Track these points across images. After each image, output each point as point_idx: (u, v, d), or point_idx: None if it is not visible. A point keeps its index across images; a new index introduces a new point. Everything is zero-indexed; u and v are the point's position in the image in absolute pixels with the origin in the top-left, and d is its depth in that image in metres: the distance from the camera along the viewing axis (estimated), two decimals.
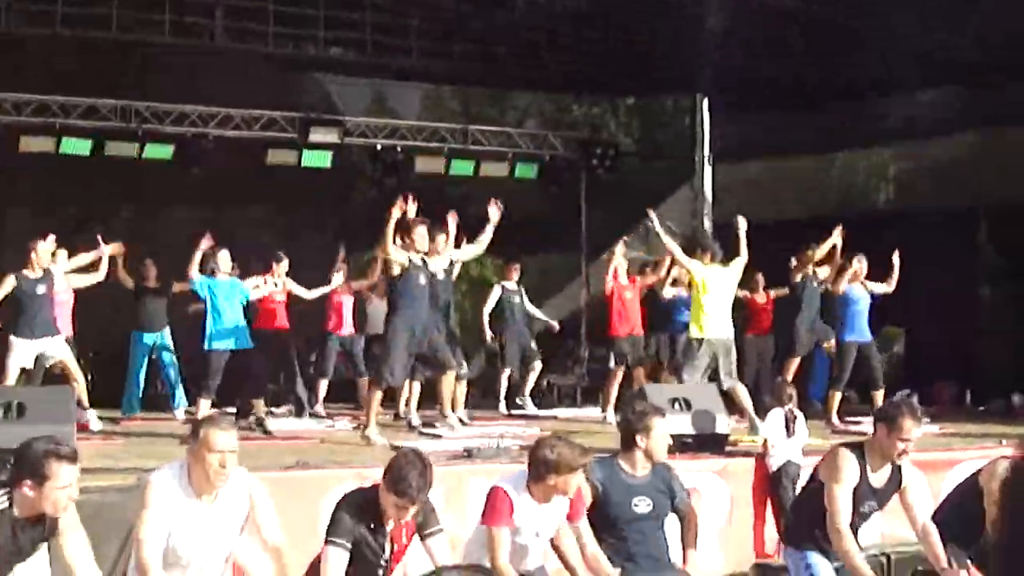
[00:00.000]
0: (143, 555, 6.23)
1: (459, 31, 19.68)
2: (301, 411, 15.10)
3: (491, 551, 6.95)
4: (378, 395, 12.12)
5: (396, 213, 11.70)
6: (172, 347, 15.06)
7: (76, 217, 17.06)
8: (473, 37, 19.81)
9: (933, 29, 17.36)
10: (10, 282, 12.80)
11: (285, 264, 14.85)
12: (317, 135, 18.45)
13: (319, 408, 15.70)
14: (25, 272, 12.92)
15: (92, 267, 13.89)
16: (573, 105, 23.07)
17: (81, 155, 17.26)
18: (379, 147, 19.44)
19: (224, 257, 13.57)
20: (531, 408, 16.01)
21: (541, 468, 7.01)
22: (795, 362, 14.79)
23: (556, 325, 17.38)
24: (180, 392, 14.98)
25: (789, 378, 14.03)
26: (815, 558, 7.67)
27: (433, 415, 13.80)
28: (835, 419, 14.04)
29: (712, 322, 13.22)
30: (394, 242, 11.84)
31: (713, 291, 13.28)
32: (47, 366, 13.10)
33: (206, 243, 13.22)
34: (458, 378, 13.22)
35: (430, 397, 15.69)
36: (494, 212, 12.68)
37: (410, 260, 12.00)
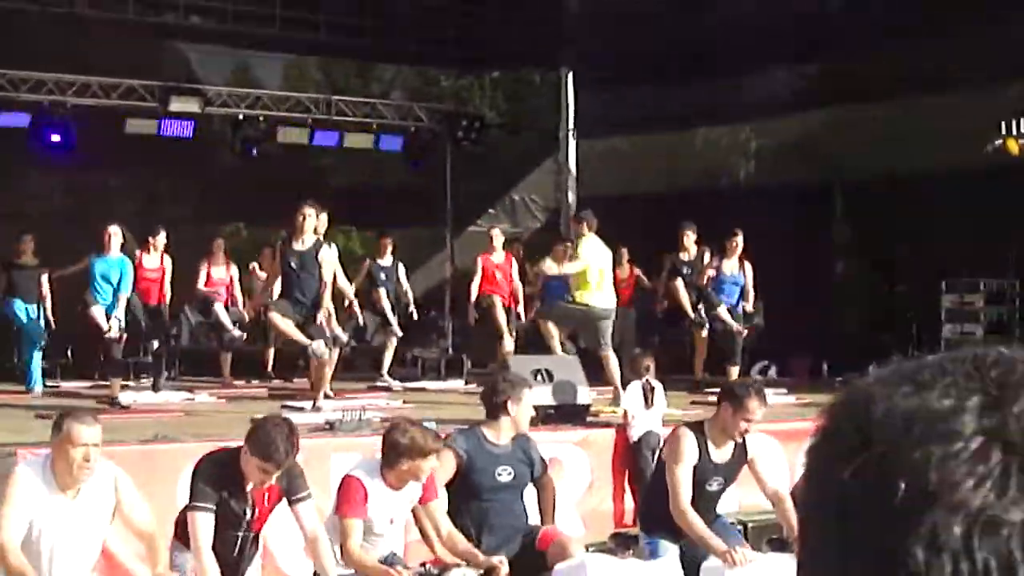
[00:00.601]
0: (2, 537, 6.13)
1: (323, 1, 19.55)
2: (158, 386, 14.85)
3: (343, 541, 6.96)
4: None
5: None
6: (41, 324, 14.73)
7: None
8: (338, 8, 19.69)
9: (789, 4, 17.68)
10: None
11: (163, 236, 14.65)
12: (178, 104, 18.19)
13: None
14: None
15: None
16: (439, 77, 23.05)
17: None
18: (241, 117, 19.23)
19: (115, 232, 13.31)
20: (394, 384, 15.92)
21: (393, 453, 7.04)
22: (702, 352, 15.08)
23: (413, 308, 17.06)
24: (38, 373, 14.67)
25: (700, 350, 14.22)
26: (663, 544, 7.85)
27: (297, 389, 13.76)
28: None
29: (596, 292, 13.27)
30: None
31: (598, 263, 13.33)
32: None
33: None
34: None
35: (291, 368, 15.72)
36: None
37: (289, 250, 11.90)
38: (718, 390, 13.83)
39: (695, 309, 14.99)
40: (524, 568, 7.56)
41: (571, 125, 22.14)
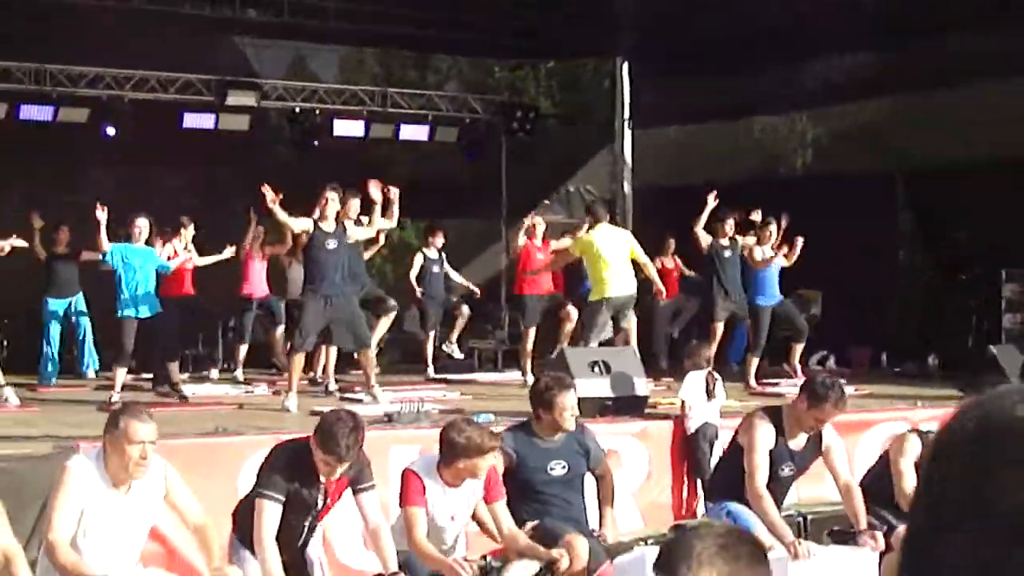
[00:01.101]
0: (53, 536, 6.15)
1: None
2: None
3: (408, 530, 6.97)
4: (297, 361, 12.11)
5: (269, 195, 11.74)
6: (86, 311, 14.89)
7: None
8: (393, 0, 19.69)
9: None
10: None
11: (191, 230, 14.70)
12: (234, 98, 18.27)
13: (238, 373, 15.61)
14: None
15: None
16: (494, 68, 23.01)
17: None
18: (297, 110, 19.29)
19: (143, 225, 13.34)
20: (456, 353, 16.01)
21: (450, 451, 7.04)
22: (718, 327, 14.87)
23: (477, 290, 17.39)
24: (90, 356, 14.81)
25: (715, 343, 14.14)
26: (734, 505, 7.82)
27: (352, 380, 13.76)
28: (752, 382, 14.19)
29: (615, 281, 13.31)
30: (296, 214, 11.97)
31: (610, 252, 13.34)
32: None
33: (102, 214, 12.85)
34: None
35: (349, 362, 15.71)
36: (375, 191, 12.55)
37: (317, 226, 11.99)
38: (774, 383, 14.05)
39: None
40: None
41: (626, 115, 22.04)
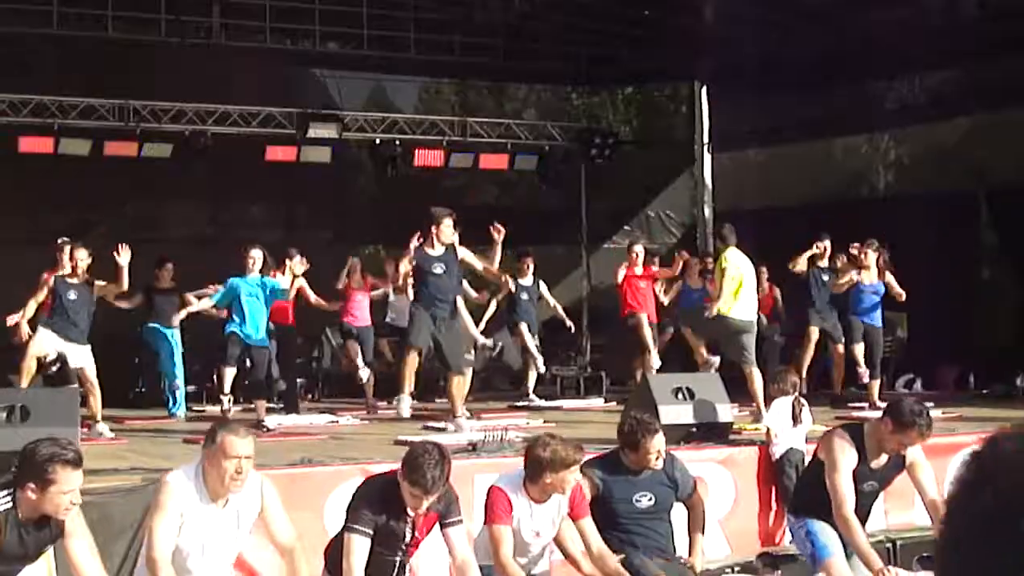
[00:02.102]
0: (154, 553, 6.24)
1: (456, 24, 19.69)
2: (295, 406, 14.97)
3: (494, 548, 6.98)
4: (410, 362, 12.16)
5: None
6: (180, 348, 15.00)
7: (77, 218, 17.06)
8: (470, 30, 19.83)
9: (931, 12, 17.37)
10: (48, 284, 12.77)
11: (298, 260, 14.81)
12: (316, 130, 18.45)
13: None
14: (62, 274, 12.87)
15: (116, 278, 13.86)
16: (572, 95, 23.06)
17: (80, 155, 17.23)
18: (378, 141, 19.44)
19: (257, 255, 13.50)
20: (539, 403, 15.94)
21: (536, 467, 7.05)
22: (809, 350, 14.77)
23: (570, 324, 17.22)
24: (181, 396, 14.95)
25: (804, 366, 14.03)
26: (816, 524, 7.74)
27: (437, 409, 13.81)
28: (878, 402, 13.97)
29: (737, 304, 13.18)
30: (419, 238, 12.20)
31: (738, 274, 13.23)
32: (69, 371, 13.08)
33: (123, 257, 12.97)
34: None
35: (432, 390, 15.77)
36: (497, 236, 12.66)
37: (423, 250, 12.11)
38: (865, 405, 13.91)
39: (837, 330, 14.78)
40: None
41: (706, 138, 21.98)
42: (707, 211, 21.76)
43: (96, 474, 8.88)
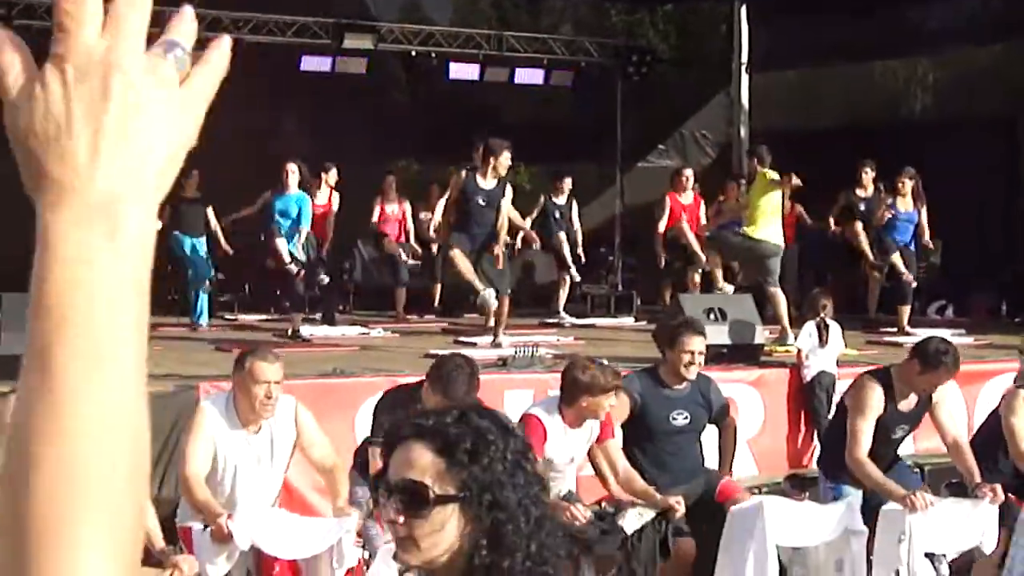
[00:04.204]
0: (187, 471, 6.32)
1: None
2: (332, 319, 15.03)
3: None
4: (460, 260, 12.03)
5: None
6: (207, 257, 15.03)
7: None
8: None
9: None
10: None
11: (334, 173, 14.79)
12: (351, 41, 18.30)
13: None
14: None
15: None
16: (610, 11, 22.84)
17: None
18: (413, 53, 19.30)
19: (293, 169, 13.53)
20: (570, 320, 15.84)
21: (573, 390, 7.04)
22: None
23: (582, 254, 16.95)
24: (203, 304, 15.00)
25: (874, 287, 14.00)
26: (846, 488, 7.75)
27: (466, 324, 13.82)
28: (907, 328, 13.94)
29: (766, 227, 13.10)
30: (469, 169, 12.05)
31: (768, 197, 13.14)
32: None
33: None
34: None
35: (466, 307, 15.77)
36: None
37: (475, 179, 11.95)
38: (895, 331, 13.86)
39: (872, 250, 14.66)
40: (699, 512, 7.54)
41: (744, 58, 21.74)
42: (743, 132, 21.57)
43: None
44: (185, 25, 1.06)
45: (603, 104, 20.68)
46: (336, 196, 14.75)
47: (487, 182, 11.95)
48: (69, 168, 0.96)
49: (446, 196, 12.63)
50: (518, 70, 19.68)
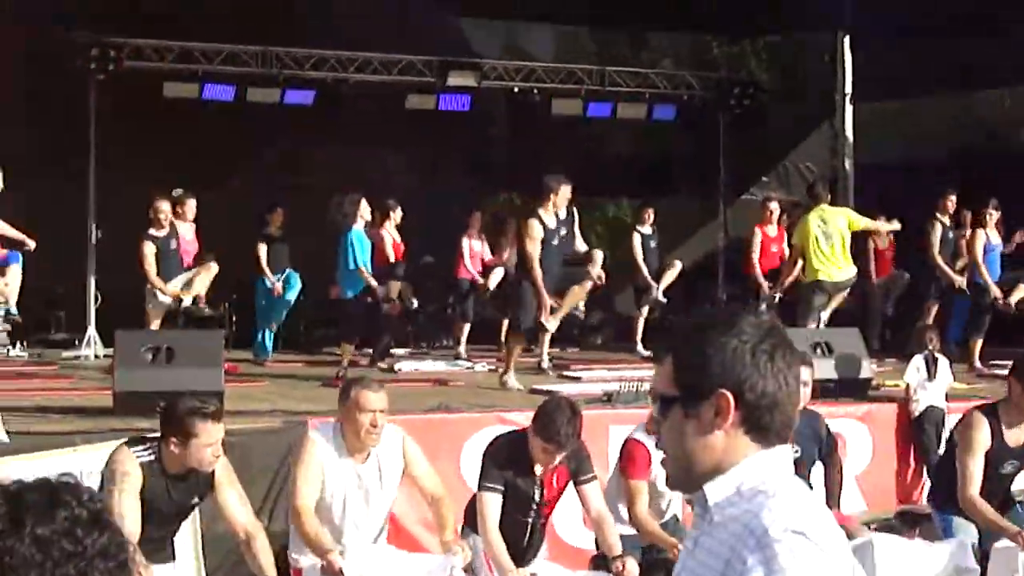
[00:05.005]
0: (298, 503, 6.42)
1: None
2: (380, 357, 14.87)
3: (631, 503, 7.02)
4: (518, 341, 12.19)
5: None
6: (295, 288, 15.19)
7: (218, 163, 17.29)
8: None
9: None
10: (150, 247, 13.17)
11: (399, 213, 14.77)
12: (455, 78, 18.44)
13: (461, 350, 15.80)
14: (152, 231, 13.34)
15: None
16: (712, 44, 22.78)
17: (223, 101, 17.44)
18: (516, 89, 19.39)
19: (365, 207, 13.64)
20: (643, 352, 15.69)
21: None
22: (935, 306, 14.55)
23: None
24: (269, 341, 15.17)
25: (929, 321, 13.84)
26: (957, 521, 7.64)
27: (570, 359, 13.79)
28: (977, 363, 13.79)
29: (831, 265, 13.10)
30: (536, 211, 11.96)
31: (828, 235, 13.11)
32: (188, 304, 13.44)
33: None
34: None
35: (565, 341, 15.77)
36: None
37: (543, 222, 11.90)
38: (1002, 365, 13.61)
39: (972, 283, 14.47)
40: None
41: (848, 89, 21.57)
42: (847, 163, 21.38)
43: (236, 416, 9.09)
44: None
45: (705, 137, 20.62)
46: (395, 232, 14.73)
47: (550, 219, 11.94)
48: None
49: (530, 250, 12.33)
50: (620, 105, 19.68)
